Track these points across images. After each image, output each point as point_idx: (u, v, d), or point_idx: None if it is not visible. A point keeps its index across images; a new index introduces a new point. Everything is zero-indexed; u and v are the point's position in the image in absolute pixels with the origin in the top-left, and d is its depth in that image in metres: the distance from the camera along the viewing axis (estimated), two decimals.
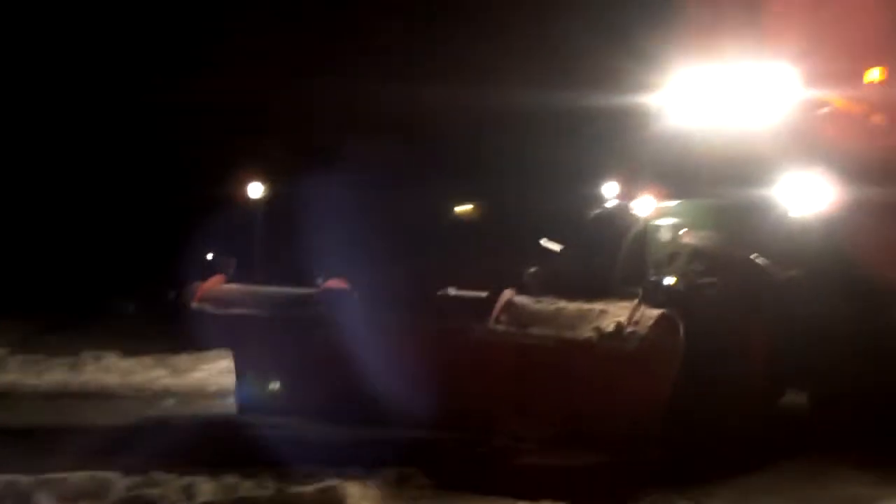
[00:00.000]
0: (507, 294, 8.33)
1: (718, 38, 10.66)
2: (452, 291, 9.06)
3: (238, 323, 9.30)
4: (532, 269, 10.05)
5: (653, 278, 8.64)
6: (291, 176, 14.50)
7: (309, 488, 7.05)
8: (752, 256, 9.30)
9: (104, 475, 7.01)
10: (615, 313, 7.76)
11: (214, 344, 10.48)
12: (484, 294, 8.69)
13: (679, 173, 10.43)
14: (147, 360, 12.74)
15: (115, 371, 12.38)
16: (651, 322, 7.61)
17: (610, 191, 11.29)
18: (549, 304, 8.19)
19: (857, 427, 8.91)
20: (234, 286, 9.63)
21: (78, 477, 6.96)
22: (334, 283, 9.34)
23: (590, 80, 12.85)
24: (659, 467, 7.63)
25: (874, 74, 10.27)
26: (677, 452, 7.74)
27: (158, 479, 7.12)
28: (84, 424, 9.73)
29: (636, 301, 7.78)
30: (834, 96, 10.30)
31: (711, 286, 8.91)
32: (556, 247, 10.58)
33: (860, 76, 10.30)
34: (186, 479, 7.13)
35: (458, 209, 16.56)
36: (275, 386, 8.37)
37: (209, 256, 9.77)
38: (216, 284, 9.56)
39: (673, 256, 9.76)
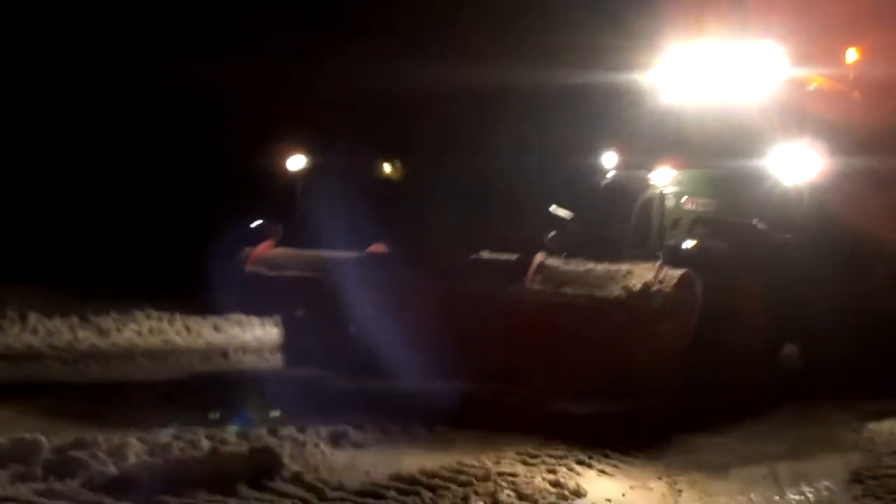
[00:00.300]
0: (539, 256, 8.87)
1: (707, 18, 11.34)
2: (485, 254, 9.58)
3: (288, 284, 9.77)
4: (551, 235, 10.74)
5: (671, 242, 9.35)
6: (330, 148, 14.85)
7: (242, 449, 6.85)
8: (752, 222, 10.12)
9: (32, 437, 6.53)
10: (640, 273, 8.36)
11: (264, 306, 10.76)
12: (514, 257, 9.22)
13: (675, 146, 11.06)
14: (73, 320, 12.38)
15: (40, 331, 11.94)
16: (674, 281, 8.26)
17: (609, 161, 11.97)
18: (578, 266, 8.74)
19: (844, 377, 9.76)
20: (283, 250, 10.13)
21: (4, 440, 6.50)
22: (377, 248, 9.91)
23: (583, 57, 13.20)
24: (676, 414, 8.28)
25: (852, 54, 11.12)
26: (692, 400, 8.44)
27: (88, 441, 6.64)
28: (8, 386, 9.41)
29: (659, 262, 8.42)
30: (818, 74, 11.13)
31: (718, 249, 9.72)
32: (566, 213, 11.09)
33: (842, 54, 11.14)
34: (117, 440, 6.73)
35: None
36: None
37: (256, 223, 10.19)
38: (267, 249, 10.08)
39: (676, 223, 10.48)
